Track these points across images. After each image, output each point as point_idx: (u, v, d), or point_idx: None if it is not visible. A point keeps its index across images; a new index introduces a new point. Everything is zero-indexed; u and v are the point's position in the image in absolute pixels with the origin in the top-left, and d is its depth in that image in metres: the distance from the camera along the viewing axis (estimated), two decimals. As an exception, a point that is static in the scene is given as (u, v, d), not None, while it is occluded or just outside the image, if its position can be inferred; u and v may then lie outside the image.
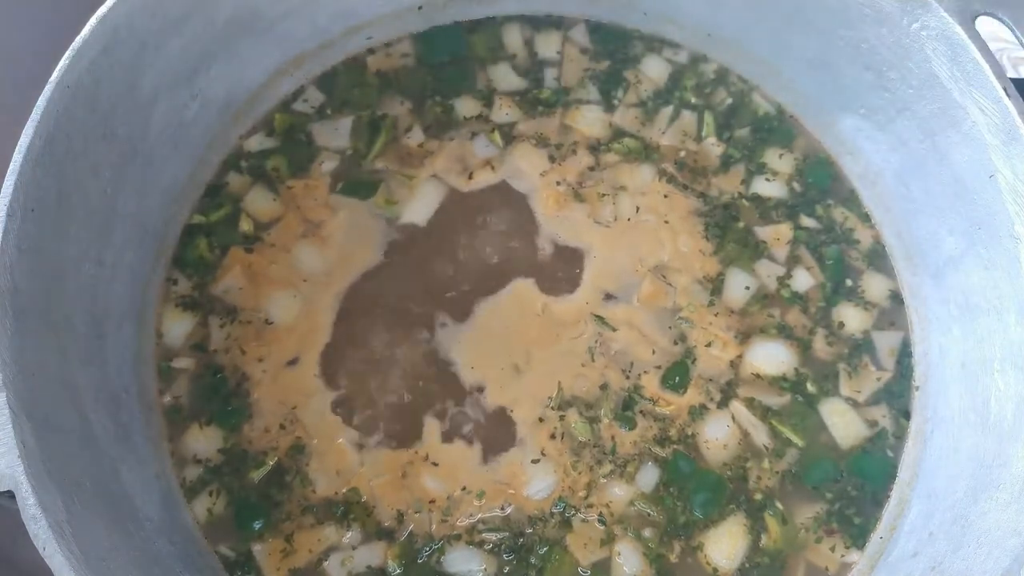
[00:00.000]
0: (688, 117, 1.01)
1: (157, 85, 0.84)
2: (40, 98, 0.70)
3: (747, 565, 0.82)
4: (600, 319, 0.90)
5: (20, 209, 0.67)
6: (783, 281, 0.93)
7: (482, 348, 0.89)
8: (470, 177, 0.97)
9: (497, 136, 0.99)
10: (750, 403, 0.88)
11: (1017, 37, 0.80)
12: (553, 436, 0.85)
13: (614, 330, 0.89)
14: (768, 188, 0.98)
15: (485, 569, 0.80)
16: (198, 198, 0.95)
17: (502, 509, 0.83)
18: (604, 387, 0.88)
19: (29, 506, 0.59)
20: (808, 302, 0.93)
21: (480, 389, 0.87)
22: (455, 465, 0.84)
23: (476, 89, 1.02)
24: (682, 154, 0.99)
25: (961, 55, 0.79)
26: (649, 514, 0.83)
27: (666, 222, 0.95)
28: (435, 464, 0.84)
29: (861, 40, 0.88)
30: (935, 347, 0.89)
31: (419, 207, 0.95)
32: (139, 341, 0.86)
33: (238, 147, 0.98)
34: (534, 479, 0.84)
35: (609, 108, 1.01)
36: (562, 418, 0.86)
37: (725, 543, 0.82)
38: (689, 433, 0.86)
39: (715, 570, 0.81)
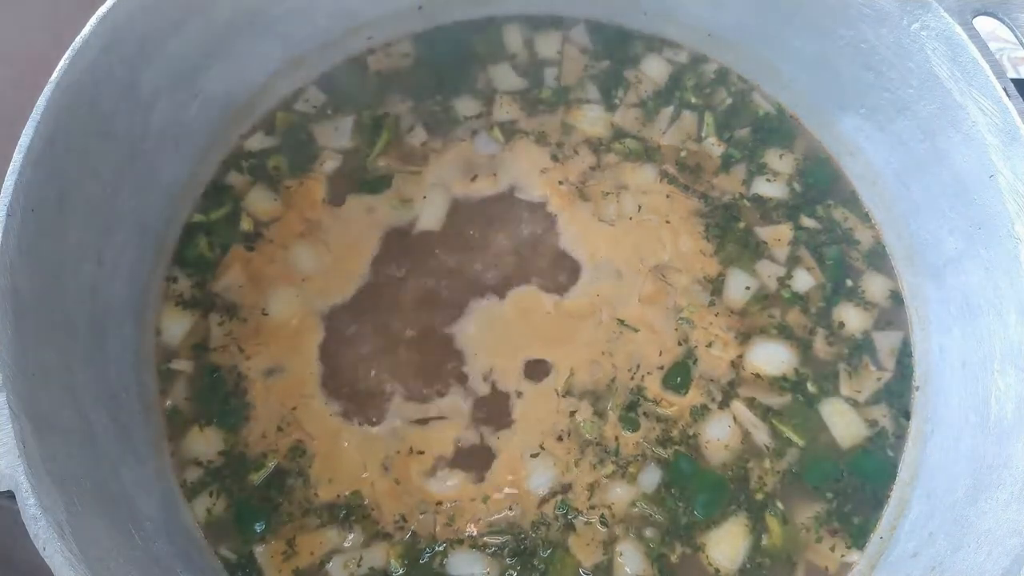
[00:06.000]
0: (689, 117, 1.01)
1: (157, 85, 0.83)
2: (40, 98, 0.70)
3: (748, 566, 0.82)
4: (621, 321, 0.90)
5: (20, 209, 0.67)
6: (783, 281, 0.93)
7: (489, 345, 0.88)
8: (474, 179, 0.97)
9: (498, 132, 0.99)
10: (751, 403, 0.88)
11: (1017, 37, 0.80)
12: (560, 438, 0.85)
13: (636, 331, 0.89)
14: (769, 188, 0.98)
15: (488, 573, 0.80)
16: (198, 197, 0.95)
17: (510, 509, 0.83)
18: (612, 382, 0.88)
19: (29, 506, 0.59)
20: (808, 302, 0.93)
21: (486, 386, 0.87)
22: (460, 463, 0.84)
23: (476, 89, 1.02)
24: (683, 154, 0.99)
25: (961, 55, 0.79)
26: (651, 515, 0.83)
27: (667, 222, 0.95)
28: (440, 461, 0.84)
29: (861, 40, 0.88)
30: (935, 347, 0.89)
31: (428, 212, 0.95)
32: (139, 341, 0.86)
33: (239, 146, 0.98)
34: (534, 473, 0.83)
35: (610, 108, 1.01)
36: (572, 414, 0.86)
37: (727, 543, 0.82)
38: (691, 434, 0.86)
39: (717, 571, 0.81)
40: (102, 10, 0.75)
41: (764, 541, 0.83)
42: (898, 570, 0.80)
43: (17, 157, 0.68)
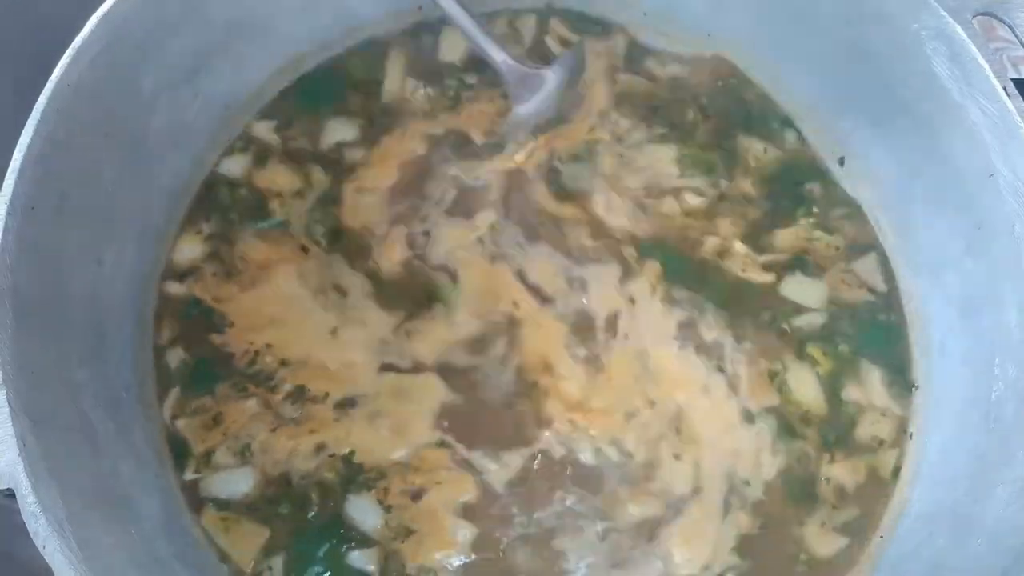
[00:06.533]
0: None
1: (157, 84, 0.84)
2: (40, 98, 0.70)
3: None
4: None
5: (20, 209, 0.67)
6: (783, 280, 0.94)
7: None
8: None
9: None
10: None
11: (1017, 37, 0.80)
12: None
13: None
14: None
15: None
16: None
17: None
18: None
19: (29, 504, 0.59)
20: (808, 302, 0.93)
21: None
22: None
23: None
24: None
25: (961, 55, 0.79)
26: None
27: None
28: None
29: (861, 40, 0.88)
30: (935, 346, 0.89)
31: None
32: (139, 340, 0.86)
33: (239, 146, 0.98)
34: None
35: None
36: None
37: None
38: None
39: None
40: (102, 10, 0.75)
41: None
42: (898, 570, 0.80)
43: (17, 157, 0.68)
